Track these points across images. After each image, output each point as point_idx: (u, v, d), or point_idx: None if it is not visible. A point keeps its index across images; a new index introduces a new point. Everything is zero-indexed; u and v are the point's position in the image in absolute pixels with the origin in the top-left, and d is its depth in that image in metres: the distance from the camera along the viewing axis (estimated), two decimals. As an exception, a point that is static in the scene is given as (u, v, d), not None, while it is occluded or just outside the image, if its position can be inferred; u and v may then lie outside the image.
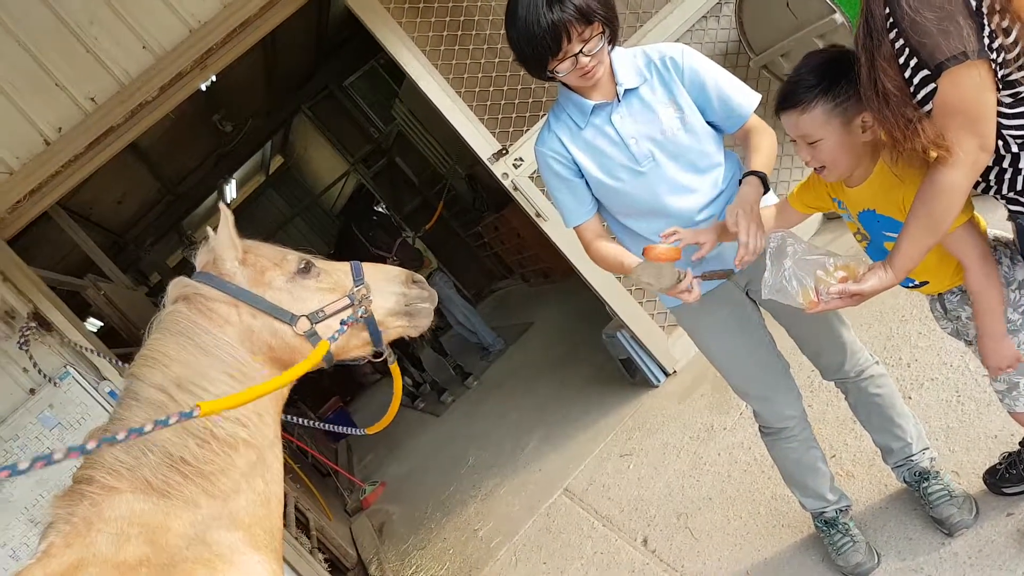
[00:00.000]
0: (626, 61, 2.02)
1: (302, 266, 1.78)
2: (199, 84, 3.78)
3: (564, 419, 4.73)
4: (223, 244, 1.71)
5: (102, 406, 3.54)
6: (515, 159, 3.89)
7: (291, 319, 1.69)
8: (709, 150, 2.06)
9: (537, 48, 1.86)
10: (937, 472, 2.23)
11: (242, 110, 8.49)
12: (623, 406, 4.28)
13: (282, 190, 14.13)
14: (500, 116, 4.01)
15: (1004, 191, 1.52)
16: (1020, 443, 2.10)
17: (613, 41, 1.97)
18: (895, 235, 1.69)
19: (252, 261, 1.74)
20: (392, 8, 3.85)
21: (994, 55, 1.34)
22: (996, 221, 1.78)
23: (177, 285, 1.71)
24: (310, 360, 1.65)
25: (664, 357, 4.13)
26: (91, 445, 1.11)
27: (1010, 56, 1.34)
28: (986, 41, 1.32)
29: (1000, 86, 1.37)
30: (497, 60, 4.01)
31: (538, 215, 3.89)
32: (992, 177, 1.53)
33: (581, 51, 1.86)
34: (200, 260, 1.77)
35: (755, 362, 2.20)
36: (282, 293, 1.72)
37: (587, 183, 2.11)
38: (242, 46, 3.67)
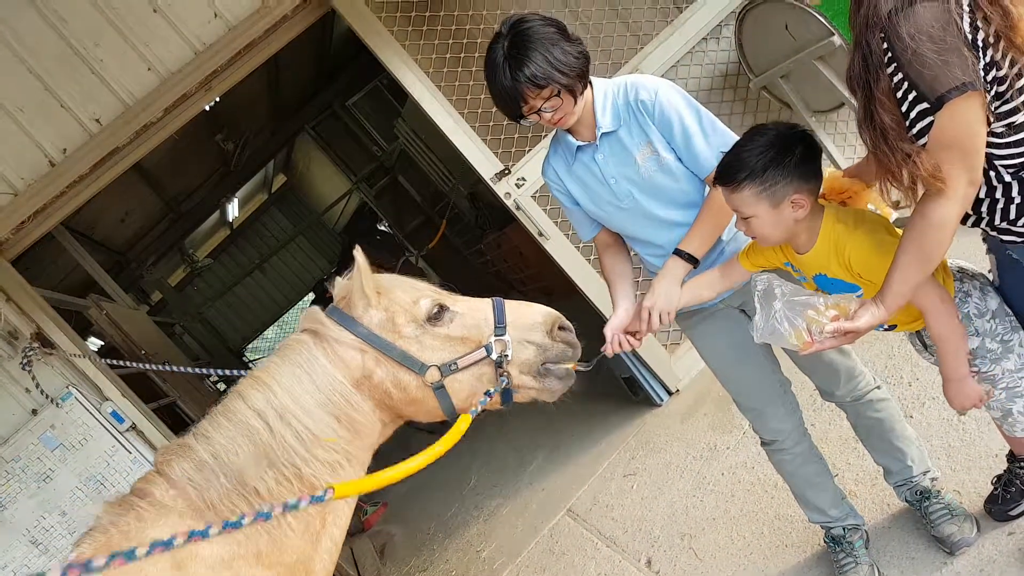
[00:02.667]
0: (607, 100, 2.05)
1: (434, 312, 1.71)
2: (204, 105, 3.81)
3: (568, 438, 4.72)
4: (356, 292, 1.67)
5: (104, 427, 3.55)
6: (517, 179, 3.91)
7: (420, 369, 1.64)
8: (689, 188, 2.08)
9: (502, 105, 1.97)
10: (938, 491, 2.24)
11: (245, 129, 8.54)
12: (626, 425, 4.27)
13: (285, 209, 14.19)
14: (503, 136, 4.03)
15: (996, 222, 1.53)
16: (1007, 458, 2.09)
17: (579, 94, 1.96)
18: (850, 293, 1.71)
19: (385, 304, 1.69)
20: (395, 30, 3.88)
21: (988, 86, 1.36)
22: (959, 252, 1.78)
23: (310, 317, 1.69)
24: (453, 435, 1.61)
25: (667, 376, 4.12)
26: (214, 531, 1.09)
27: (1003, 88, 1.35)
28: (981, 73, 1.34)
29: (992, 117, 1.39)
30: (499, 81, 4.03)
31: (540, 234, 3.91)
32: (984, 209, 1.53)
33: (541, 108, 1.92)
34: (337, 292, 1.74)
35: (746, 376, 2.25)
36: (411, 342, 1.67)
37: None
38: (246, 68, 3.71)
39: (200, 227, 11.35)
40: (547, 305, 1.88)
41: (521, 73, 1.85)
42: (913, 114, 1.41)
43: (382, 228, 11.80)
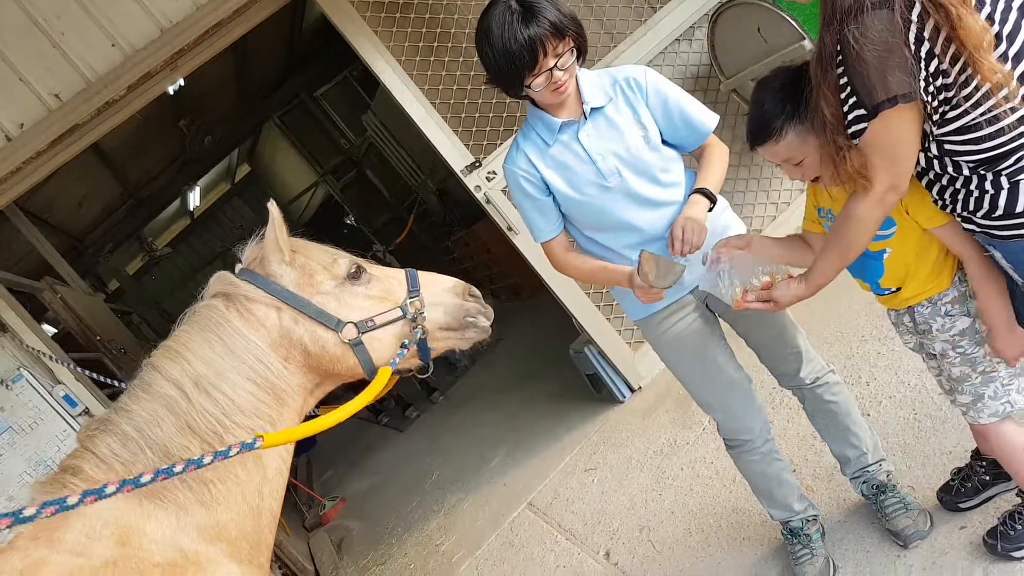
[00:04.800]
0: (591, 82, 2.09)
1: (353, 270, 1.71)
2: (168, 85, 3.73)
3: (530, 434, 4.72)
4: (270, 245, 1.64)
5: (56, 411, 3.45)
6: (488, 172, 3.90)
7: (337, 325, 1.63)
8: (672, 167, 2.13)
9: (514, 64, 1.90)
10: (894, 485, 2.29)
11: (210, 116, 8.39)
12: (589, 421, 4.29)
13: (248, 199, 13.96)
14: (474, 129, 4.02)
15: (959, 210, 1.58)
16: (971, 454, 2.14)
17: (582, 57, 2.02)
18: (880, 233, 1.73)
19: (300, 263, 1.68)
20: (368, 17, 3.85)
21: (935, 94, 1.40)
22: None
23: (220, 280, 1.65)
24: (372, 389, 1.61)
25: (630, 373, 4.15)
26: (146, 477, 1.12)
27: (951, 94, 1.40)
28: (922, 84, 1.38)
29: (941, 122, 1.44)
30: (473, 73, 4.02)
31: (510, 228, 3.90)
32: (947, 196, 1.58)
33: (555, 65, 1.92)
34: (247, 256, 1.71)
35: (717, 374, 2.23)
36: (329, 298, 1.66)
37: (555, 200, 2.15)
38: (214, 48, 3.64)
39: (160, 215, 11.13)
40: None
41: (544, 19, 1.85)
42: (850, 117, 1.48)
43: (349, 222, 11.69)
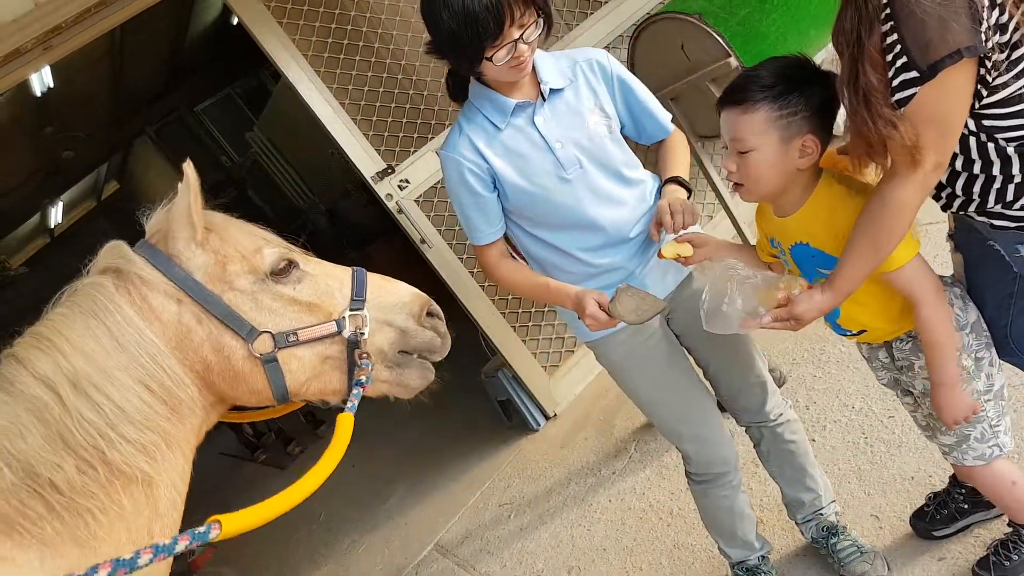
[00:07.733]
0: (548, 62, 1.85)
1: (281, 265, 1.36)
2: (41, 65, 3.24)
3: (434, 467, 4.36)
4: (179, 217, 1.29)
5: None
6: (401, 180, 3.60)
7: (249, 333, 1.30)
8: (633, 163, 1.93)
9: (477, 30, 1.61)
10: (844, 527, 2.13)
11: (79, 125, 7.61)
12: (500, 452, 3.99)
13: (115, 219, 12.82)
14: (386, 134, 3.71)
15: (990, 204, 1.39)
16: (950, 480, 2.00)
17: (547, 33, 1.77)
18: (828, 272, 1.55)
19: (215, 246, 1.33)
20: (273, 7, 3.50)
21: (989, 52, 1.21)
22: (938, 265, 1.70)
23: (112, 252, 1.30)
24: (340, 442, 1.26)
25: (545, 399, 3.91)
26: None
27: (1001, 56, 1.22)
28: (983, 37, 1.18)
29: (988, 91, 1.26)
30: (385, 75, 3.74)
31: (423, 242, 3.60)
32: (976, 190, 1.40)
33: (521, 37, 1.66)
34: (151, 226, 1.35)
35: (688, 399, 1.98)
36: (243, 297, 1.32)
37: (498, 197, 1.86)
38: (95, 30, 3.20)
39: (17, 230, 10.06)
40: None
41: None
42: (896, 82, 1.26)
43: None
